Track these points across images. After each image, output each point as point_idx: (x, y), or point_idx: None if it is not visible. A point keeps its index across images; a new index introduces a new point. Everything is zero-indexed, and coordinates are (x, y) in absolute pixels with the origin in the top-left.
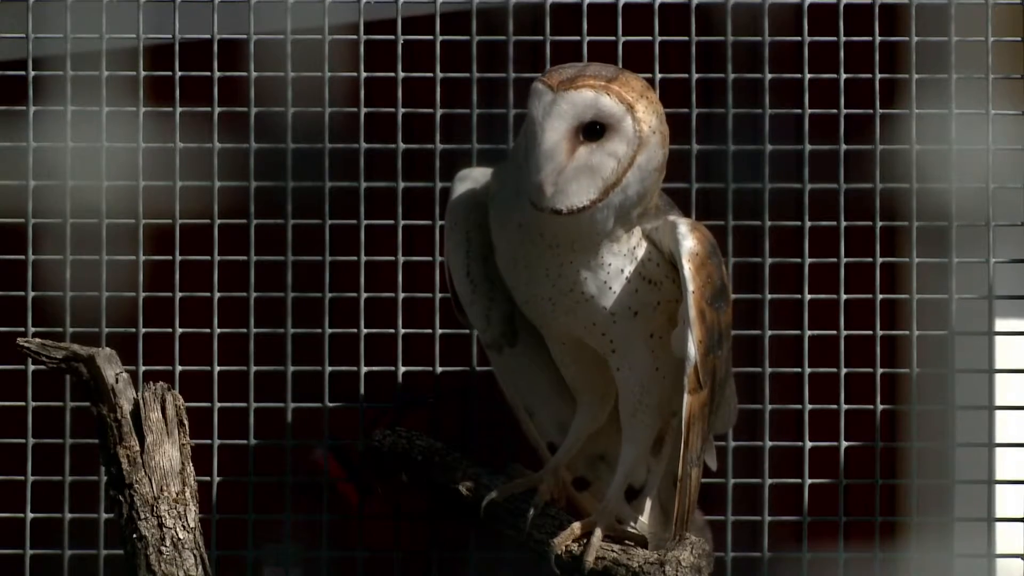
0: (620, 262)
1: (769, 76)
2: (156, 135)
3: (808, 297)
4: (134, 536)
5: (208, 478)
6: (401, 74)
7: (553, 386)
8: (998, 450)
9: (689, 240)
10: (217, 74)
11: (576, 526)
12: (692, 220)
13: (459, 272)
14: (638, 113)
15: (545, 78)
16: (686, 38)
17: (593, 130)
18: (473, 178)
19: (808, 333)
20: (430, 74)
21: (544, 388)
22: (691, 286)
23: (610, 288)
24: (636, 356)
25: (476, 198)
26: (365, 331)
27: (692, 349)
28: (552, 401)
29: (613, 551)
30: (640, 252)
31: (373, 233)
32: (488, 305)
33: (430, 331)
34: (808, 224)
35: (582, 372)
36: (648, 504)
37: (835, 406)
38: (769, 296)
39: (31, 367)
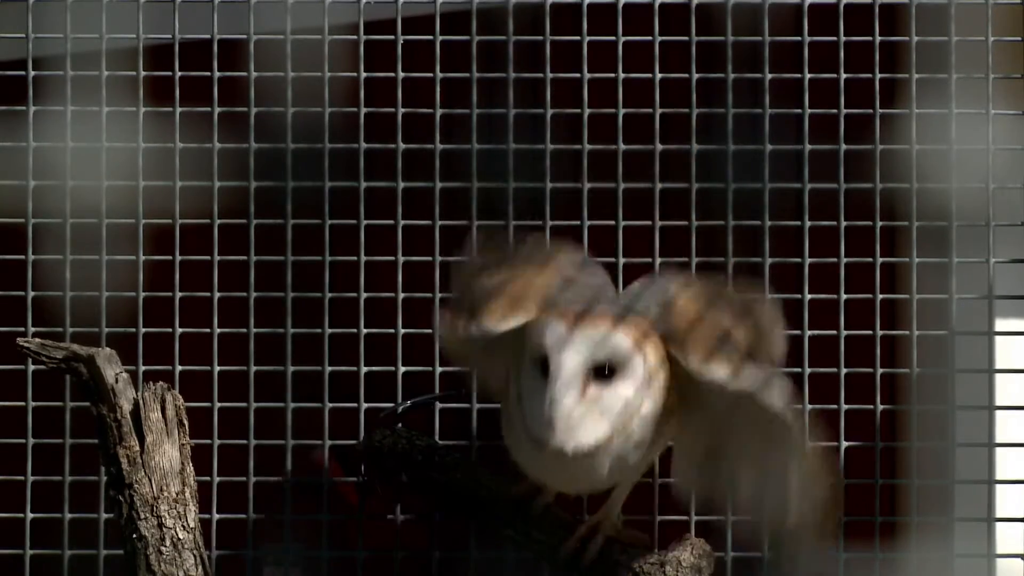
0: (636, 457)
1: (769, 76)
2: (156, 135)
3: (808, 297)
4: (134, 536)
5: (208, 478)
6: (401, 74)
7: None
8: (998, 450)
9: (715, 369)
10: (217, 74)
11: (582, 527)
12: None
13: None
14: (649, 359)
15: (558, 313)
16: (686, 38)
17: (603, 371)
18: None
19: (808, 333)
20: (430, 74)
21: None
22: (741, 386)
23: (616, 467)
24: (636, 467)
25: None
26: (365, 331)
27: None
28: None
29: (613, 551)
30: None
31: (373, 233)
32: None
33: (430, 331)
34: (808, 224)
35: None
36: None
37: (835, 406)
38: (769, 296)
39: (31, 367)
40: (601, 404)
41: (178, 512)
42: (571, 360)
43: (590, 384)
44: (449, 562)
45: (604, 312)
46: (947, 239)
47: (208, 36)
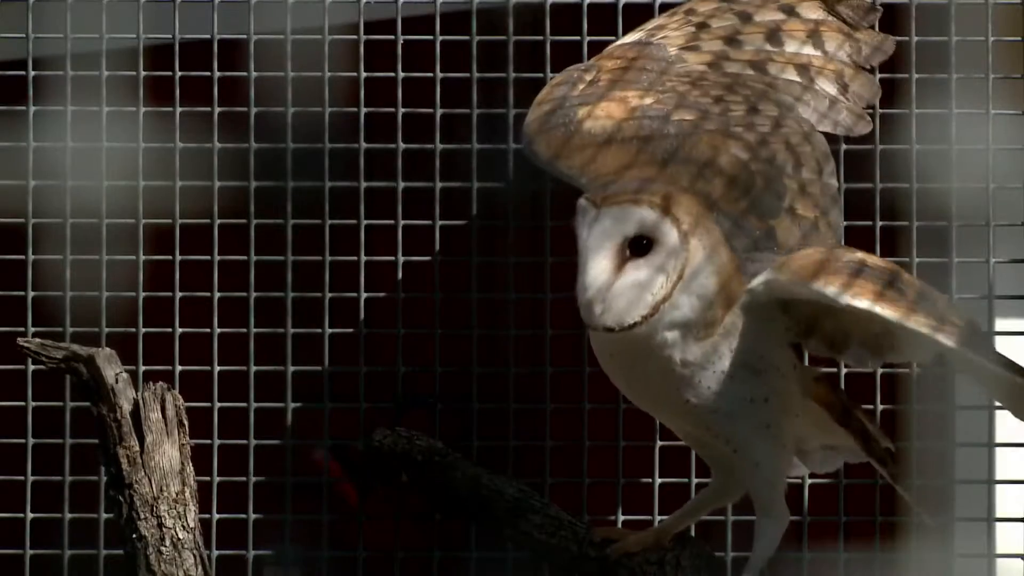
0: (707, 358)
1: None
2: (156, 135)
3: None
4: (134, 536)
5: (208, 478)
6: (401, 74)
7: None
8: (998, 450)
9: (821, 285)
10: (217, 74)
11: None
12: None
13: None
14: (683, 226)
15: (590, 194)
16: None
17: (640, 245)
18: None
19: None
20: (430, 74)
21: None
22: (864, 303)
23: (707, 387)
24: (758, 453)
25: None
26: (365, 331)
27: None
28: None
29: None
30: (733, 341)
31: (373, 233)
32: None
33: (430, 331)
34: None
35: (708, 455)
36: None
37: None
38: None
39: (31, 367)
40: (638, 278)
41: (178, 512)
42: (597, 243)
43: (627, 260)
44: (449, 562)
45: (635, 189)
46: (947, 239)
47: (208, 36)
